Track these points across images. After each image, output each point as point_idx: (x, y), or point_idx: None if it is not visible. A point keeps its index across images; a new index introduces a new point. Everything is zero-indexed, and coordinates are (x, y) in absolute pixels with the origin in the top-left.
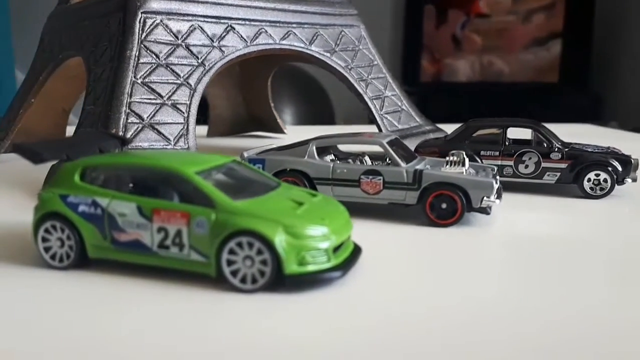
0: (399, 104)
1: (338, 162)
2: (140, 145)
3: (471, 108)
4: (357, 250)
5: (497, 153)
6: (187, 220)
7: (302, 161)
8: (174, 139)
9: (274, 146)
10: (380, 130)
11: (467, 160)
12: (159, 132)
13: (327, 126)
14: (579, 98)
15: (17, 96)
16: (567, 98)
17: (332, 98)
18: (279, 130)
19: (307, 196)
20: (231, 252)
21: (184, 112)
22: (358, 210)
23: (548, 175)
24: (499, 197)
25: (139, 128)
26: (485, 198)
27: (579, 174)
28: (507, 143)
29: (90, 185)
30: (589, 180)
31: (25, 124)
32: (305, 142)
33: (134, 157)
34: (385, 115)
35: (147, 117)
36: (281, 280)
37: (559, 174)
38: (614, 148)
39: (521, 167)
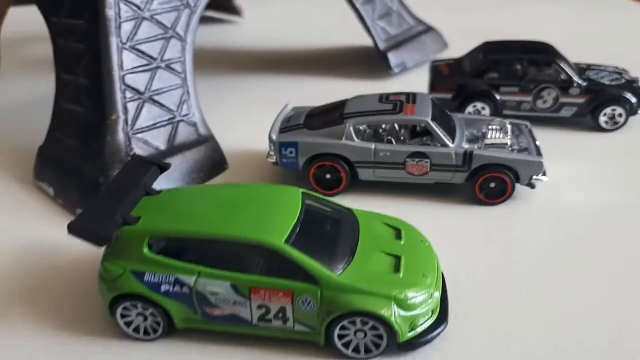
0: (389, 4)
1: (379, 143)
2: (145, 126)
3: None
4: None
5: (517, 89)
6: (290, 298)
7: (339, 144)
8: (177, 109)
9: (291, 112)
10: (373, 39)
11: (509, 127)
12: (161, 105)
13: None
14: None
15: None
16: None
17: None
18: (233, 11)
19: (393, 239)
20: (343, 327)
21: (180, 73)
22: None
23: (565, 109)
24: (544, 173)
25: (140, 105)
26: (534, 176)
27: (596, 108)
28: (527, 78)
29: (165, 258)
30: (604, 114)
31: None
32: (337, 116)
33: (205, 225)
34: (378, 22)
35: (145, 89)
36: (394, 346)
37: (575, 108)
38: (623, 70)
39: (539, 103)
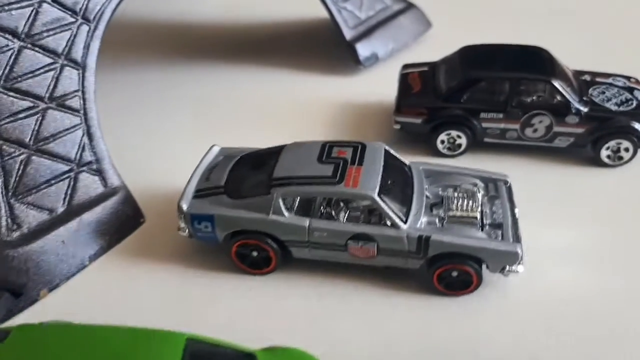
0: None
1: (315, 219)
2: (34, 186)
3: None
4: None
5: (501, 115)
6: None
7: (265, 220)
8: (75, 157)
9: (217, 157)
10: (338, 27)
11: (481, 194)
12: (53, 155)
13: None
14: None
15: None
16: None
17: None
18: None
19: None
20: None
21: (78, 110)
22: None
23: (560, 139)
24: (520, 262)
25: (25, 160)
26: (507, 267)
27: (598, 140)
28: (513, 103)
29: None
30: (607, 148)
31: None
32: (264, 181)
33: None
34: (344, 5)
35: (31, 139)
36: None
37: (572, 139)
38: (636, 81)
39: (528, 131)
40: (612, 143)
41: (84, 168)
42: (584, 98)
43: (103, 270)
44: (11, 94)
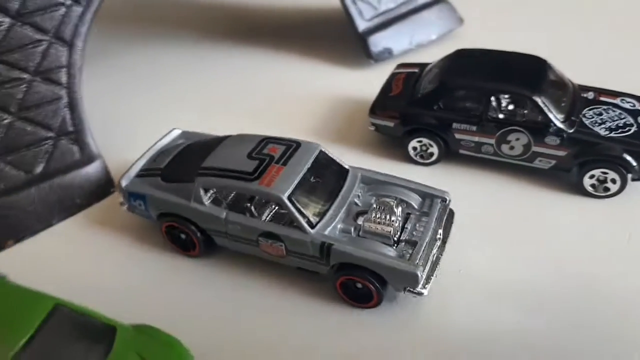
0: None
1: (232, 212)
2: (15, 148)
3: None
4: None
5: (474, 128)
6: None
7: (187, 206)
8: (56, 126)
9: (176, 139)
10: (350, 18)
11: (398, 209)
12: (35, 123)
13: None
14: None
15: None
16: None
17: None
18: None
19: None
20: None
21: (63, 84)
22: None
23: (540, 160)
24: (424, 285)
25: (7, 125)
26: (408, 288)
27: (582, 166)
28: (489, 116)
29: None
30: (592, 177)
31: None
32: (192, 169)
33: None
34: None
35: (15, 107)
36: None
37: (554, 161)
38: None
39: (505, 148)
40: (597, 172)
41: (63, 137)
42: (572, 118)
43: (66, 229)
44: (0, 65)
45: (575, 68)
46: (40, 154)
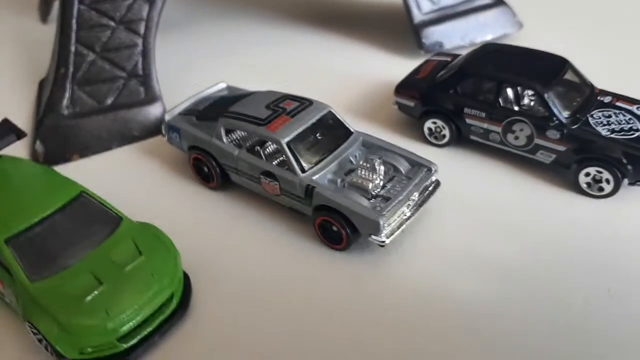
0: None
1: (243, 151)
2: (93, 81)
3: None
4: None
5: (484, 115)
6: (2, 286)
7: (209, 141)
8: (130, 68)
9: (221, 92)
10: (408, 9)
11: (380, 168)
12: (113, 63)
13: None
14: None
15: None
16: None
17: None
18: None
19: (120, 264)
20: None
21: (141, 34)
22: None
23: (541, 153)
24: (387, 236)
25: (91, 61)
26: (372, 236)
27: (580, 163)
28: (498, 104)
29: None
30: (587, 174)
31: None
32: (220, 112)
33: None
34: None
35: (99, 47)
36: None
37: (554, 155)
38: None
39: (510, 137)
40: (592, 170)
41: (133, 78)
42: (578, 116)
43: (121, 155)
44: (93, 12)
45: (620, 79)
46: (112, 90)
